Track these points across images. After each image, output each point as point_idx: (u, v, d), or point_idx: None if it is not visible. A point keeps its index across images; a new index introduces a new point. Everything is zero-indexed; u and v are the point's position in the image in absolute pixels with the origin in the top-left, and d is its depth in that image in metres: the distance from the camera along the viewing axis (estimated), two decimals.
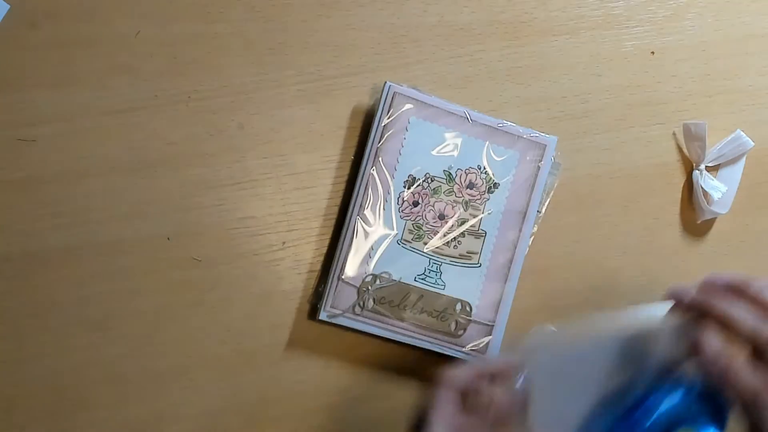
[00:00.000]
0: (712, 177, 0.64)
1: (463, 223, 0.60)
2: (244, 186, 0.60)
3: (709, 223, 0.65)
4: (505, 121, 0.61)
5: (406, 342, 0.59)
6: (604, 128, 0.64)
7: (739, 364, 0.43)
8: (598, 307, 0.63)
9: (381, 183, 0.59)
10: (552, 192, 0.62)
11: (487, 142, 0.60)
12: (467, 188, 0.60)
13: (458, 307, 0.60)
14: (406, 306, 0.59)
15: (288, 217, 0.61)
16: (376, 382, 0.60)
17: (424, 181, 0.60)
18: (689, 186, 0.65)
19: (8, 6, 0.59)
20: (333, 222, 0.61)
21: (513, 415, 0.49)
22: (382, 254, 0.59)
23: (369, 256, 0.59)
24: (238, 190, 0.60)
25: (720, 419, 0.47)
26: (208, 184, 0.60)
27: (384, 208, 0.59)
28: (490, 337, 0.60)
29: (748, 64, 0.66)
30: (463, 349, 0.60)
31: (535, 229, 0.62)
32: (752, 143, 0.64)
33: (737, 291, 0.45)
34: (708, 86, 0.66)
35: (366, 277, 0.59)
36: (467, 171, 0.60)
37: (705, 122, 0.62)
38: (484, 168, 0.60)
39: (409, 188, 0.60)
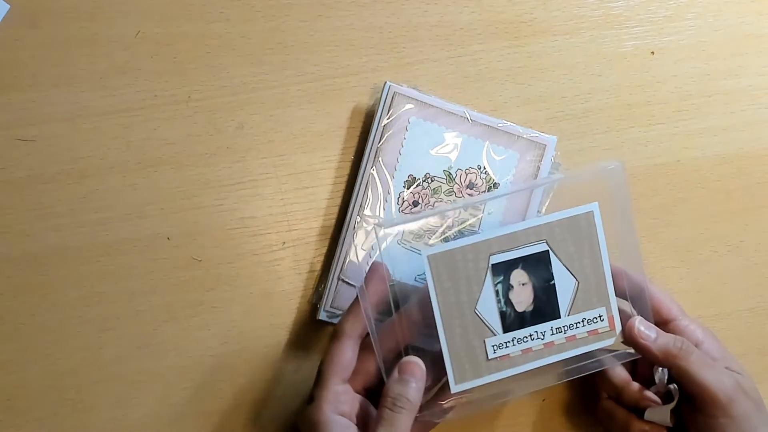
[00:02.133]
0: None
1: (463, 223, 0.60)
2: (244, 186, 0.60)
3: (709, 224, 0.65)
4: (505, 121, 0.61)
5: None
6: (604, 128, 0.64)
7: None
8: None
9: (381, 183, 0.59)
10: (552, 192, 0.62)
11: (487, 142, 0.60)
12: (467, 188, 0.60)
13: None
14: None
15: (288, 217, 0.61)
16: None
17: (424, 180, 0.60)
18: (689, 186, 0.65)
19: (8, 6, 0.59)
20: (333, 222, 0.61)
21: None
22: (382, 254, 0.59)
23: (369, 256, 0.59)
24: (238, 190, 0.60)
25: None
26: (208, 184, 0.60)
27: (384, 208, 0.59)
28: None
29: (748, 64, 0.66)
30: None
31: None
32: None
33: None
34: (708, 86, 0.66)
35: None
36: (467, 171, 0.60)
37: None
38: (484, 168, 0.60)
39: (409, 188, 0.60)
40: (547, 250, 0.51)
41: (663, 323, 0.55)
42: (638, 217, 0.64)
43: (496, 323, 0.51)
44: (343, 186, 0.61)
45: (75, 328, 0.58)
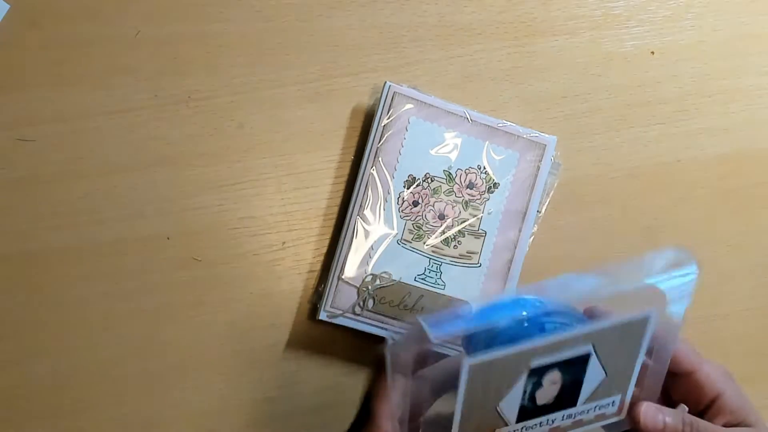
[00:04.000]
0: None
1: (463, 222, 0.60)
2: (244, 186, 0.60)
3: (709, 224, 0.65)
4: (505, 121, 0.61)
5: None
6: (604, 128, 0.64)
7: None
8: None
9: (381, 183, 0.59)
10: (552, 192, 0.62)
11: (487, 142, 0.60)
12: (467, 188, 0.60)
13: None
14: (406, 306, 0.59)
15: (288, 217, 0.61)
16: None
17: (423, 180, 0.60)
18: (689, 186, 0.65)
19: (8, 6, 0.59)
20: (333, 222, 0.61)
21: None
22: (382, 254, 0.59)
23: (369, 256, 0.59)
24: (238, 190, 0.60)
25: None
26: (208, 184, 0.60)
27: (384, 208, 0.59)
28: None
29: (748, 64, 0.66)
30: None
31: (535, 229, 0.62)
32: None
33: None
34: (708, 86, 0.66)
35: (366, 277, 0.59)
36: (467, 171, 0.60)
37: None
38: (484, 168, 0.60)
39: (408, 188, 0.60)
40: (591, 353, 0.48)
41: (684, 374, 0.52)
42: (638, 217, 0.64)
43: (512, 417, 0.48)
44: (343, 186, 0.61)
45: (75, 328, 0.58)
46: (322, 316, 0.59)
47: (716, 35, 0.66)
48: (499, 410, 0.48)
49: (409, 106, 0.60)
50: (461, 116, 0.60)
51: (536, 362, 0.46)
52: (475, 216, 0.60)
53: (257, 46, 0.61)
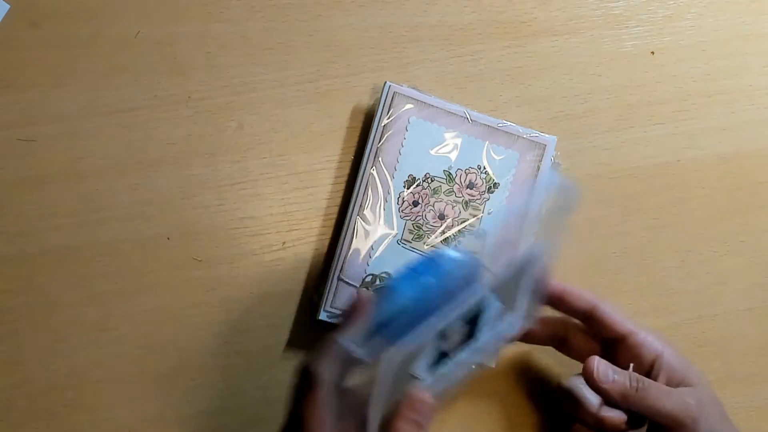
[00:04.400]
0: None
1: (463, 222, 0.60)
2: (244, 186, 0.60)
3: (709, 224, 0.65)
4: (505, 121, 0.61)
5: None
6: (604, 128, 0.64)
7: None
8: None
9: (381, 183, 0.59)
10: (553, 192, 0.62)
11: (487, 142, 0.60)
12: (467, 188, 0.60)
13: None
14: None
15: (288, 217, 0.61)
16: None
17: (423, 180, 0.60)
18: (689, 186, 0.65)
19: (8, 6, 0.59)
20: (333, 222, 0.61)
21: None
22: (382, 254, 0.59)
23: (369, 256, 0.59)
24: (238, 190, 0.60)
25: None
26: (208, 184, 0.60)
27: (384, 208, 0.59)
28: None
29: (748, 64, 0.66)
30: None
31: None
32: None
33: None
34: (708, 86, 0.66)
35: (366, 277, 0.59)
36: (467, 171, 0.60)
37: None
38: (484, 168, 0.60)
39: (409, 188, 0.60)
40: (490, 297, 0.49)
41: (619, 339, 0.54)
42: (638, 217, 0.64)
43: (424, 373, 0.48)
44: (343, 186, 0.61)
45: (75, 328, 0.58)
46: (322, 316, 0.59)
47: (716, 35, 0.66)
48: (412, 372, 0.48)
49: (409, 106, 0.60)
50: (461, 116, 0.60)
51: (443, 325, 0.48)
52: (475, 216, 0.60)
53: (257, 46, 0.61)
